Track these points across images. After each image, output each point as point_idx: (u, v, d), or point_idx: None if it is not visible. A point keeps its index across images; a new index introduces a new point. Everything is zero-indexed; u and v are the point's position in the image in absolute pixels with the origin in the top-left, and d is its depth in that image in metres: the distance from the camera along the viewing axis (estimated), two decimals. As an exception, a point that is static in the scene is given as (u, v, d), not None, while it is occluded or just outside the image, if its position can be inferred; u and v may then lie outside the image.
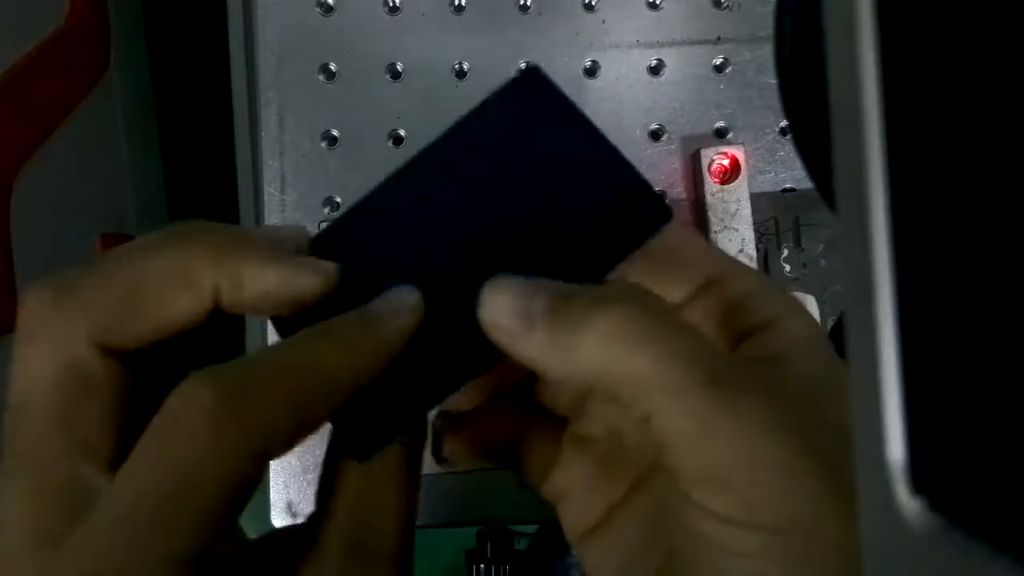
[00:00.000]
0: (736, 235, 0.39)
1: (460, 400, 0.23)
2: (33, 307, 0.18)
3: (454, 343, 0.20)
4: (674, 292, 0.21)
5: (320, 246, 0.22)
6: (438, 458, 0.23)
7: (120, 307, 0.19)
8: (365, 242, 0.22)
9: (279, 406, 0.17)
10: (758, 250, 0.40)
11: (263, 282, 0.19)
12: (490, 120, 0.21)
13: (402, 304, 0.20)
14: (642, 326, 0.17)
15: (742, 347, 0.20)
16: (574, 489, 0.22)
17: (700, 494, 0.17)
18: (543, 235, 0.21)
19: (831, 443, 0.17)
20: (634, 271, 0.21)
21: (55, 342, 0.18)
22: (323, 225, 0.39)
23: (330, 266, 0.21)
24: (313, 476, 0.36)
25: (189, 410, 0.17)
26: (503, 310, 0.19)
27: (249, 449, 0.17)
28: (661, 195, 0.21)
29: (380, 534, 0.20)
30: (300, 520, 0.30)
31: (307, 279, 0.20)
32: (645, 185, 0.20)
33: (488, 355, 0.20)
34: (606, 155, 0.21)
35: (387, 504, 0.20)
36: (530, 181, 0.21)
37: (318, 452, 0.26)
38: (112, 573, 0.17)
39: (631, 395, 0.17)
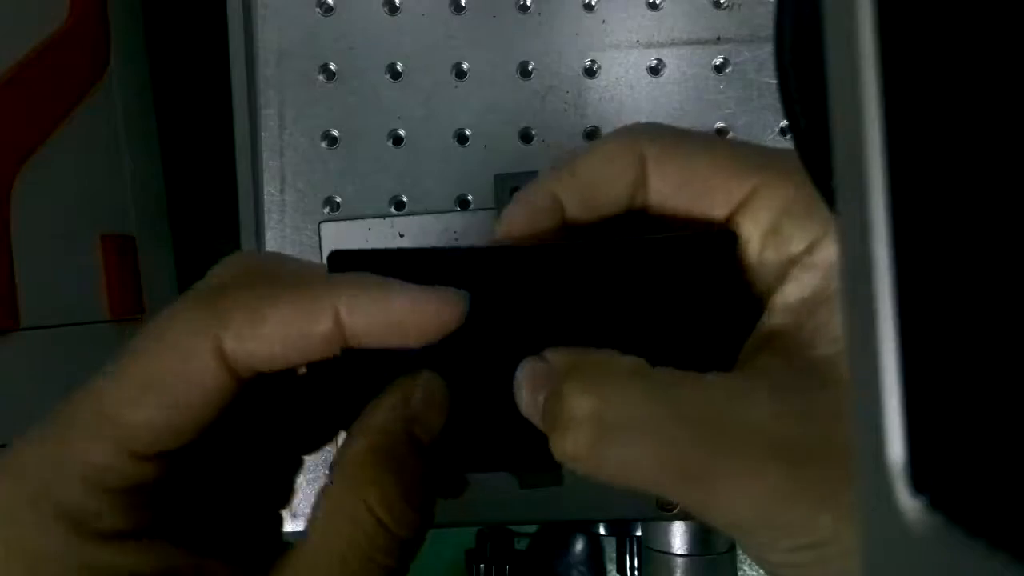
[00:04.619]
0: (736, 235, 0.39)
1: None
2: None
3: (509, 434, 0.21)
4: (716, 211, 0.21)
5: (412, 263, 0.20)
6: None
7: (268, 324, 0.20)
8: (479, 293, 0.19)
9: None
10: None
11: (393, 306, 0.18)
12: (655, 250, 0.21)
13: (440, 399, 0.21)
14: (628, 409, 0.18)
15: (784, 288, 0.20)
16: None
17: None
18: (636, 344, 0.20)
19: None
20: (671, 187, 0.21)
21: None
22: (323, 225, 0.39)
23: (462, 297, 0.19)
24: (312, 476, 0.36)
25: None
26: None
27: None
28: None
29: None
30: (299, 520, 0.30)
31: (444, 308, 0.18)
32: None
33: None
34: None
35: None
36: (652, 312, 0.21)
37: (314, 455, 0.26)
38: None
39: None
